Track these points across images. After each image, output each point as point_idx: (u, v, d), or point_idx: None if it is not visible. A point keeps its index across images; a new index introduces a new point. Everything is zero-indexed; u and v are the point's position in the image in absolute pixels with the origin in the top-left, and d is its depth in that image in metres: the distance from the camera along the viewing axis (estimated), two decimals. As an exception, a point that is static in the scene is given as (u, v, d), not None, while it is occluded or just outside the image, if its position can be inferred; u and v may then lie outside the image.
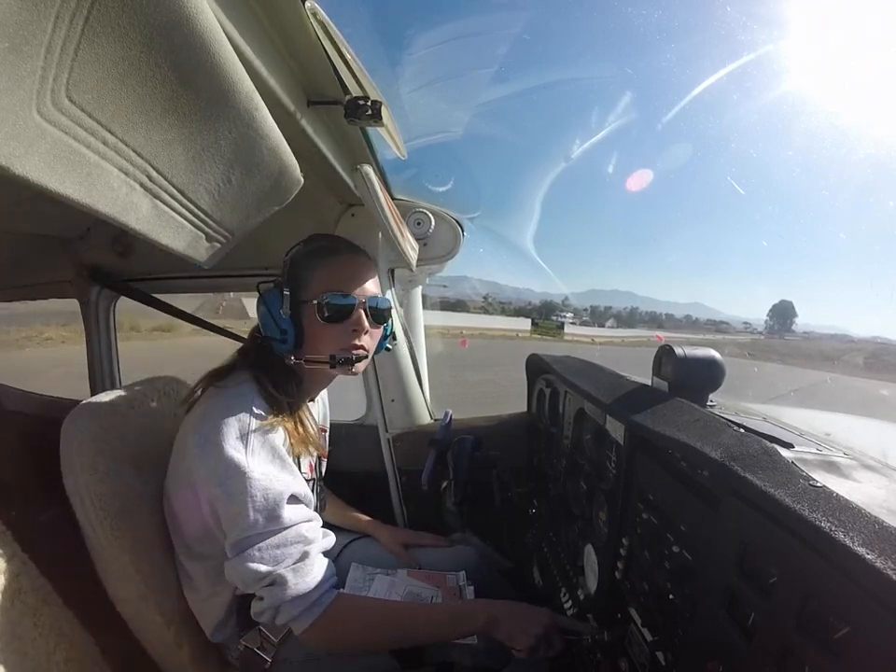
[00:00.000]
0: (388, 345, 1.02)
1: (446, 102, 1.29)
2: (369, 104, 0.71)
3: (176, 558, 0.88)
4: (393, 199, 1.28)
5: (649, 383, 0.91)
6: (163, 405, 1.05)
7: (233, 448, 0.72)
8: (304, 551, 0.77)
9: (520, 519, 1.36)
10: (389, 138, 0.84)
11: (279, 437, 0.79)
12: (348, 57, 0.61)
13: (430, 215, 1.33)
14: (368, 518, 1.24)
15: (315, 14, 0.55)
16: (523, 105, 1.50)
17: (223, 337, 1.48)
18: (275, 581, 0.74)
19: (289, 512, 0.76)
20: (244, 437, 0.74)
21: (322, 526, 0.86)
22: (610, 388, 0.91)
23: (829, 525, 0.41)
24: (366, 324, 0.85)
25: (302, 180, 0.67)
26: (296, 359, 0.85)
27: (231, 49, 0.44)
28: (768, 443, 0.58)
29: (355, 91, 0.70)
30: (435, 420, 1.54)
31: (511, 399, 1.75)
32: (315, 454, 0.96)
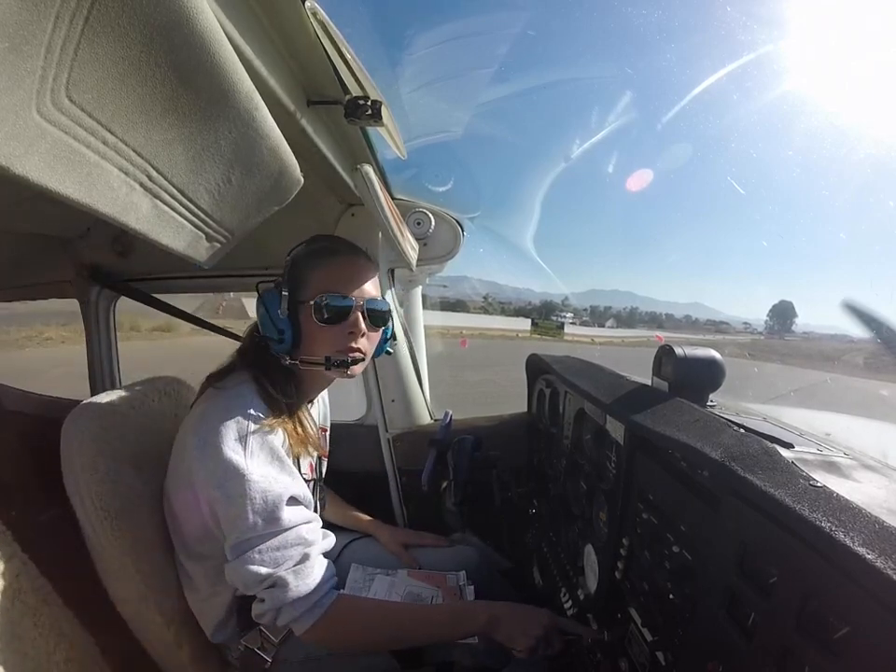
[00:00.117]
0: (389, 349, 1.00)
1: (446, 102, 1.29)
2: (369, 103, 0.71)
3: (176, 558, 0.88)
4: (393, 199, 1.28)
5: (649, 383, 0.91)
6: (164, 405, 1.05)
7: (232, 450, 0.72)
8: (304, 552, 0.77)
9: (520, 519, 1.36)
10: (389, 138, 0.84)
11: (278, 438, 0.79)
12: (348, 57, 0.61)
13: (430, 215, 1.33)
14: (368, 518, 1.24)
15: (314, 14, 0.55)
16: (523, 105, 1.50)
17: (223, 337, 1.48)
18: (276, 584, 0.74)
19: (289, 514, 0.76)
20: (242, 439, 0.74)
21: (322, 526, 0.86)
22: (610, 388, 0.91)
23: (829, 525, 0.41)
24: (363, 326, 0.84)
25: (302, 180, 0.67)
26: (292, 360, 0.84)
27: (231, 48, 0.44)
28: (768, 443, 0.57)
29: (355, 90, 0.70)
30: (435, 420, 1.54)
31: (510, 399, 1.75)
32: (315, 454, 0.96)
